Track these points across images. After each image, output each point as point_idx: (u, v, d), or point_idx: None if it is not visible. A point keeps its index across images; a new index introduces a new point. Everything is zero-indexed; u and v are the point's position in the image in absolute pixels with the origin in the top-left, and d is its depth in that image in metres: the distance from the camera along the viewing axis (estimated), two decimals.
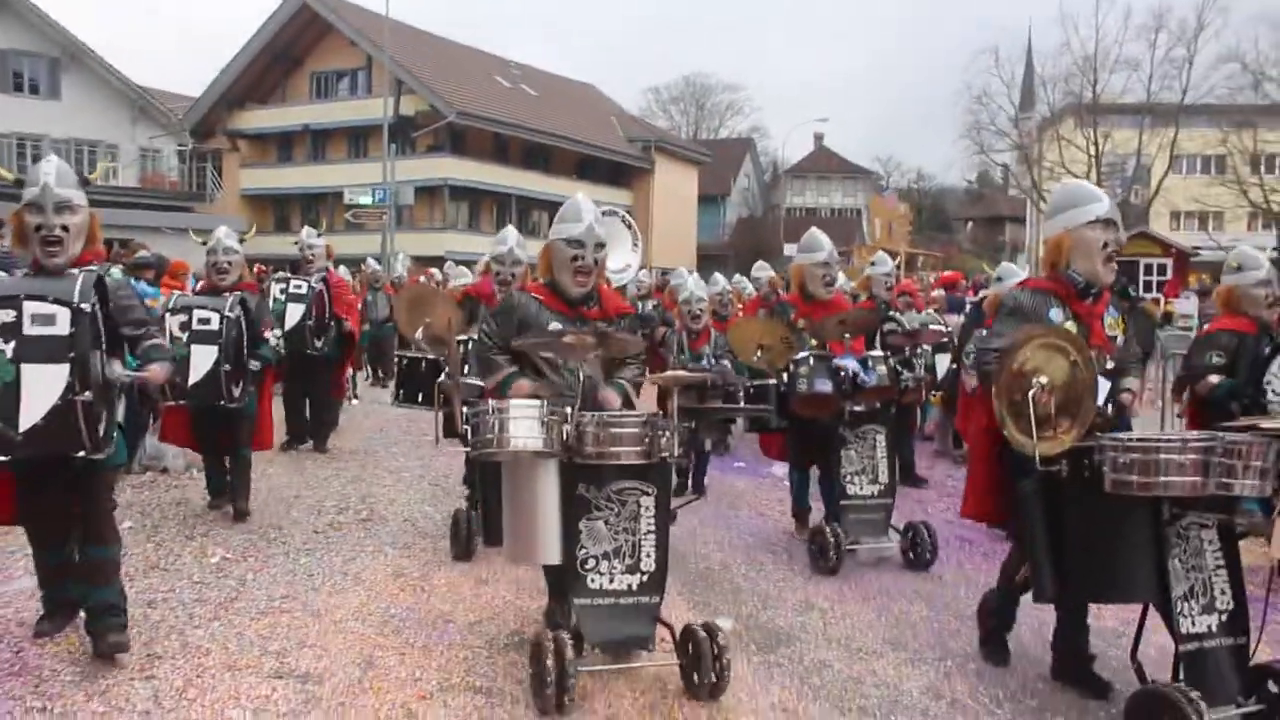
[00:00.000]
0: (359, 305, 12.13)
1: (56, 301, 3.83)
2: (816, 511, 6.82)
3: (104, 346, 4.10)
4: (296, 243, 10.30)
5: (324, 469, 9.04)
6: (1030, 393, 3.79)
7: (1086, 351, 3.90)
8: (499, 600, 5.41)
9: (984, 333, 7.21)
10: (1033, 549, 4.12)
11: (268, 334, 7.25)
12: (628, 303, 8.38)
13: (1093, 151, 41.00)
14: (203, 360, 6.54)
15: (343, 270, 13.30)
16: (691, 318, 8.67)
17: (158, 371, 4.38)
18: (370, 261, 16.35)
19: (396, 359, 7.74)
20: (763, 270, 13.23)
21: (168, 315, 6.64)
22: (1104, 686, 4.28)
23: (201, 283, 8.00)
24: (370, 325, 14.41)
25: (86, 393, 3.80)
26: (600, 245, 4.75)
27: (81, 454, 3.92)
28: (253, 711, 3.93)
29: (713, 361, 8.23)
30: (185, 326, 6.59)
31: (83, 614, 4.48)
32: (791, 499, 7.18)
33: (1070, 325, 4.22)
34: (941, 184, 71.08)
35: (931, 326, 9.36)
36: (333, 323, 9.52)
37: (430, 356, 6.96)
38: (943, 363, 9.62)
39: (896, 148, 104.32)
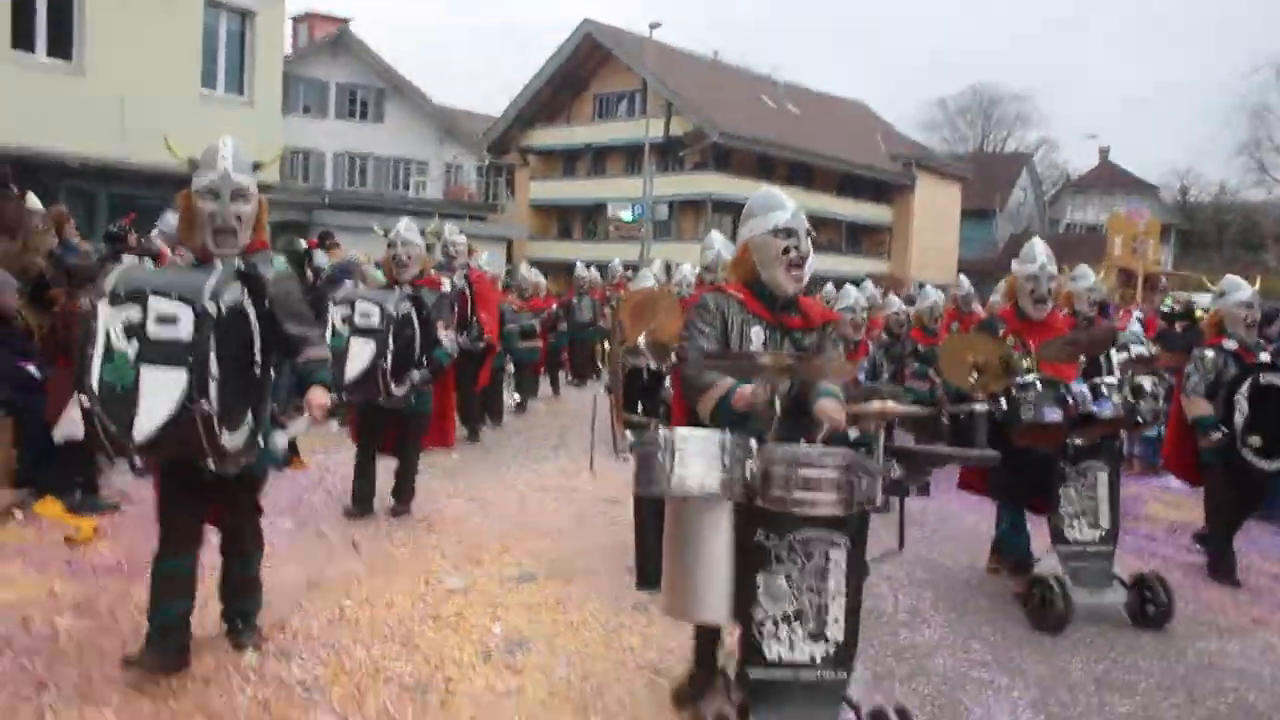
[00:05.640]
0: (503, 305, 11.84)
1: (181, 299, 3.58)
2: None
3: (257, 344, 3.97)
4: (434, 233, 10.15)
5: (530, 422, 12.60)
6: None
7: None
8: (613, 508, 7.93)
9: (1208, 353, 6.70)
10: None
11: (443, 334, 7.01)
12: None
13: None
14: (360, 354, 6.46)
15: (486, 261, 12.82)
16: (853, 327, 8.27)
17: (317, 398, 4.13)
18: (579, 266, 16.98)
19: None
20: (960, 287, 12.59)
21: (332, 307, 6.73)
22: None
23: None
24: (570, 328, 15.82)
25: (205, 401, 3.55)
26: (810, 234, 4.23)
27: (208, 465, 3.73)
28: (452, 521, 7.22)
29: (867, 378, 8.14)
30: (347, 319, 6.59)
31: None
32: (1002, 545, 6.21)
33: None
34: (1258, 200, 65.01)
35: (1135, 346, 8.73)
36: (474, 319, 9.45)
37: (651, 366, 6.84)
38: None
39: (1195, 160, 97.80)
